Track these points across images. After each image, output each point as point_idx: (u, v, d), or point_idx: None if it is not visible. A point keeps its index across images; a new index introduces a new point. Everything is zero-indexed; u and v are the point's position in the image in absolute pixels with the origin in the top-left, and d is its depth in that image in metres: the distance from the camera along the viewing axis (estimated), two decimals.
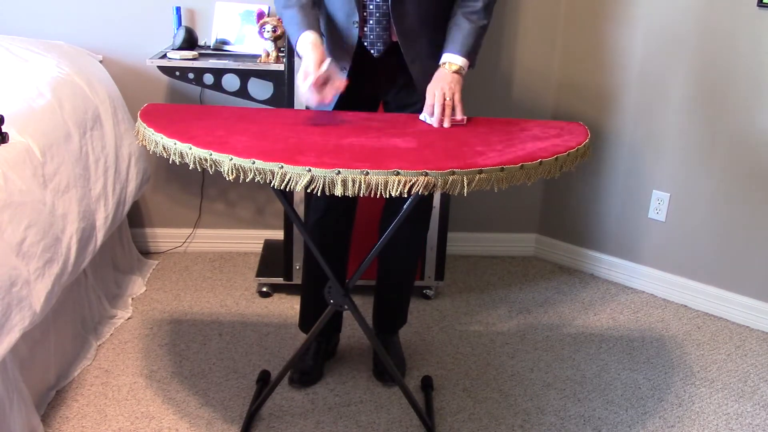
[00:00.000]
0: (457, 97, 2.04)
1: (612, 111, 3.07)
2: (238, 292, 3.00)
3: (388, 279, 2.49)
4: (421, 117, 2.07)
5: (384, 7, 2.06)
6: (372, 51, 2.11)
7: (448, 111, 2.02)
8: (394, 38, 2.10)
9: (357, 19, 2.07)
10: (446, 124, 2.02)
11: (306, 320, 2.52)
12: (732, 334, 2.86)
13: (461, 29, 2.09)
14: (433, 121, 2.03)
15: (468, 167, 1.68)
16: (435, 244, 2.90)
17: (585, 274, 3.29)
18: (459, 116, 2.04)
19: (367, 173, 1.64)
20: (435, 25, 2.12)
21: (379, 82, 2.19)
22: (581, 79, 3.11)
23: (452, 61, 2.08)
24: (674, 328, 2.89)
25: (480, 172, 1.68)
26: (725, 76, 2.78)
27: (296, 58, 2.58)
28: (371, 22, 2.07)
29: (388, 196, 1.64)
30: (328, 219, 2.32)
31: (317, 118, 2.05)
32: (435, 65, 2.11)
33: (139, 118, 1.96)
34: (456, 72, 2.07)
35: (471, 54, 2.12)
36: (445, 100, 2.02)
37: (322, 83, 1.94)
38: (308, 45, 1.97)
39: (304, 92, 1.94)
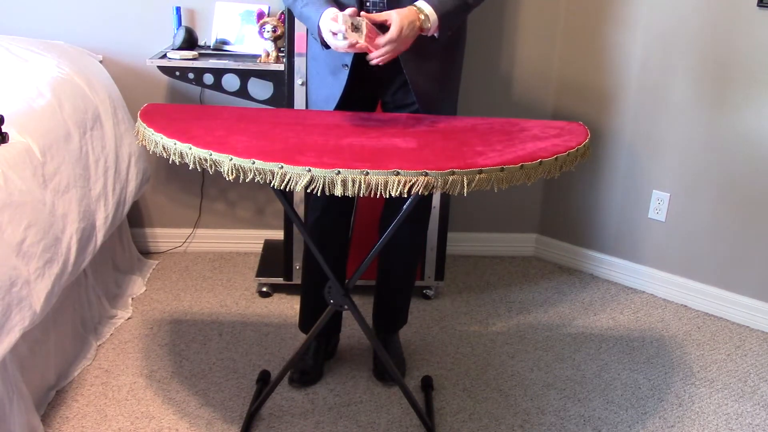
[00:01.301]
0: (397, 51, 1.95)
1: (612, 111, 3.07)
2: (238, 292, 3.00)
3: (388, 279, 2.49)
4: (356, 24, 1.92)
5: (381, 5, 2.05)
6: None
7: (386, 58, 1.94)
8: None
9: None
10: (374, 58, 1.94)
11: (306, 320, 2.52)
12: (732, 334, 2.86)
13: None
14: (365, 45, 1.91)
15: (468, 167, 1.68)
16: (435, 244, 2.90)
17: (585, 274, 3.29)
18: (377, 62, 1.95)
19: (367, 173, 1.64)
20: None
21: (377, 82, 2.19)
22: (581, 79, 3.11)
23: (423, 9, 1.97)
24: (674, 328, 2.89)
25: (480, 172, 1.68)
26: (725, 75, 2.78)
27: (296, 58, 2.60)
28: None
29: (388, 197, 1.64)
30: (327, 219, 2.32)
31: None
32: (428, 65, 2.09)
33: (139, 118, 1.96)
34: (420, 27, 1.96)
35: (444, 18, 1.99)
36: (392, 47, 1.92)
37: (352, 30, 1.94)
38: (333, 11, 1.97)
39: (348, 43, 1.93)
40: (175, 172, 3.23)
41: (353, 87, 2.14)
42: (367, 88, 2.20)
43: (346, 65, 2.11)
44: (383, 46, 1.93)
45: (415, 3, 2.00)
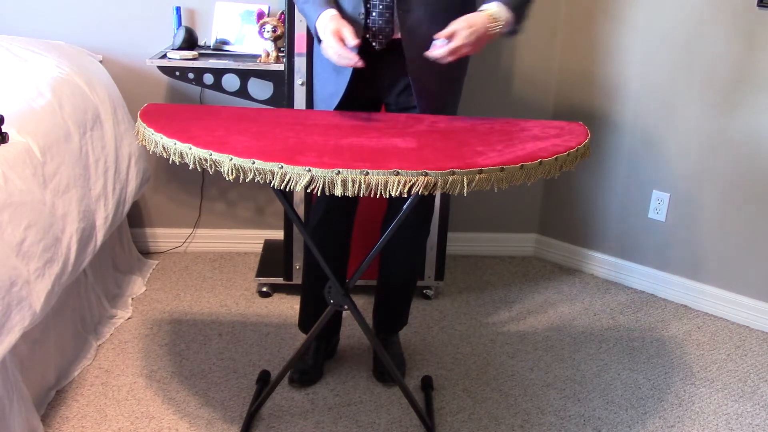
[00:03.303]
0: (473, 51, 1.96)
1: (612, 111, 3.07)
2: (238, 292, 3.00)
3: (389, 281, 2.48)
4: (438, 45, 1.94)
5: (387, 1, 2.05)
6: (374, 44, 2.08)
7: (457, 55, 1.93)
8: (396, 35, 2.08)
9: (362, 10, 2.05)
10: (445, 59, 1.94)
11: (306, 320, 2.51)
12: (732, 334, 2.86)
13: None
14: (439, 51, 1.93)
15: (468, 167, 1.68)
16: (435, 244, 2.90)
17: (585, 274, 3.29)
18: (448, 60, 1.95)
19: (367, 173, 1.64)
20: (445, 22, 2.00)
21: (380, 83, 2.18)
22: (581, 79, 3.11)
23: (497, 11, 1.97)
24: (674, 328, 2.89)
25: (480, 172, 1.68)
26: (725, 75, 2.78)
27: (296, 58, 2.60)
28: (374, 14, 2.05)
29: (388, 197, 1.64)
30: (330, 219, 2.32)
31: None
32: (435, 66, 2.09)
33: (139, 118, 1.96)
34: (493, 29, 1.96)
35: (517, 8, 2.00)
36: (465, 46, 1.92)
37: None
38: (336, 18, 1.99)
39: (348, 57, 1.96)
40: (175, 172, 3.23)
41: (356, 87, 2.13)
42: (371, 89, 2.19)
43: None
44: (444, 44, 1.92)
45: (482, 7, 2.00)
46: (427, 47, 2.00)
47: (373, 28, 2.06)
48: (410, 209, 1.90)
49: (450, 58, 1.94)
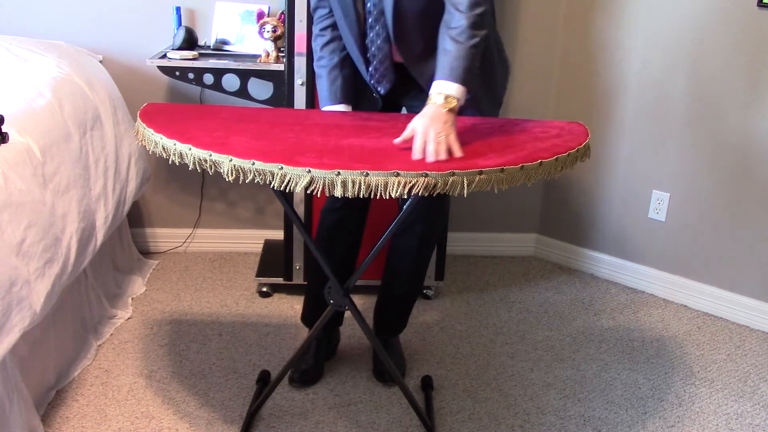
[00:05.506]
0: (452, 139, 1.78)
1: (612, 111, 3.07)
2: (238, 292, 3.00)
3: (392, 289, 2.45)
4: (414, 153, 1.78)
5: (385, 49, 2.08)
6: (379, 89, 2.16)
7: (441, 153, 1.75)
8: (398, 59, 2.12)
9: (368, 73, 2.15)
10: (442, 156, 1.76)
11: (308, 315, 2.51)
12: (732, 334, 2.86)
13: (448, 53, 1.89)
14: (415, 156, 1.77)
15: (468, 168, 1.68)
16: (435, 244, 2.89)
17: (585, 274, 3.29)
18: (458, 154, 1.77)
19: (367, 174, 1.64)
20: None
21: (398, 98, 2.25)
22: (581, 80, 3.11)
23: (444, 90, 1.87)
24: (674, 328, 2.89)
25: (480, 173, 1.68)
26: (725, 76, 2.78)
27: (296, 58, 2.60)
28: (374, 62, 2.11)
29: (389, 197, 1.64)
30: (343, 219, 2.34)
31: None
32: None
33: (138, 118, 1.96)
34: (449, 108, 1.84)
35: (464, 77, 1.89)
36: (437, 142, 1.75)
37: None
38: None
39: None
40: (175, 172, 3.23)
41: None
42: (391, 99, 2.24)
43: (378, 93, 2.18)
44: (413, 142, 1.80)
45: (432, 90, 1.89)
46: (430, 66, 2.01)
47: (376, 75, 2.13)
48: (410, 210, 1.90)
49: (431, 158, 1.74)
